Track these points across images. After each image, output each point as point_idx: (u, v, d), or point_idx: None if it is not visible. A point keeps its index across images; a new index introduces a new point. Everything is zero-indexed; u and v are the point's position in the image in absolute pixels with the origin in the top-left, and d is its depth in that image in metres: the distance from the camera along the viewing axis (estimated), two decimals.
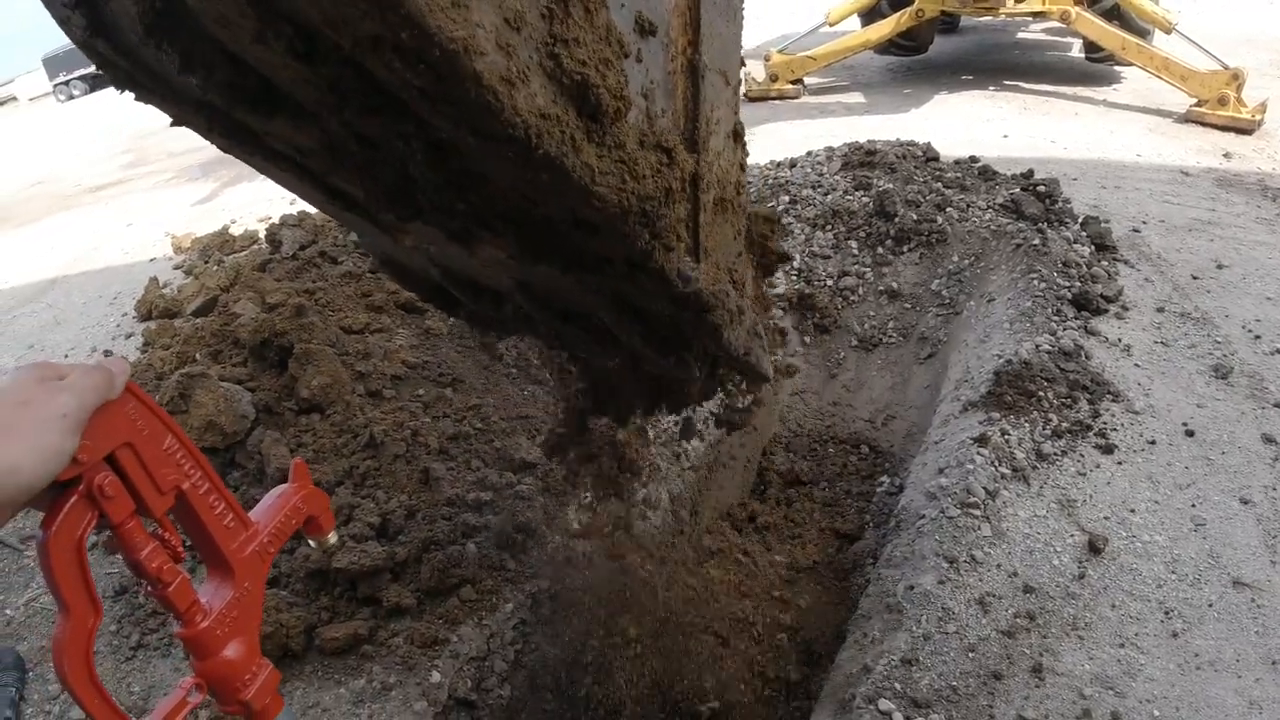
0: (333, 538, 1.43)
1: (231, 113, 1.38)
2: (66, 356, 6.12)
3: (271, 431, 3.48)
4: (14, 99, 44.41)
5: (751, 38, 14.15)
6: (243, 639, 1.23)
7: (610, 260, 1.60)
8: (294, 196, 6.58)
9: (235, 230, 8.04)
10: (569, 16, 1.12)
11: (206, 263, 7.10)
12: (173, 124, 1.63)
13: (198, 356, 4.16)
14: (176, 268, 7.46)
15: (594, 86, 1.17)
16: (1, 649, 3.10)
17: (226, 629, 1.21)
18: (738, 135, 1.87)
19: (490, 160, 1.21)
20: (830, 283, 5.15)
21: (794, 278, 5.14)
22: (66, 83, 36.31)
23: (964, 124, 8.29)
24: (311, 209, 7.31)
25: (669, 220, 1.51)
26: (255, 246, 7.13)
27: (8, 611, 3.44)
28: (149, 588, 1.13)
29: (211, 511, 1.19)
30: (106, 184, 13.04)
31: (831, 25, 10.08)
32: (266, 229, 6.55)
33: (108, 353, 5.92)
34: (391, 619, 2.83)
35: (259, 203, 9.29)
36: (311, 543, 1.43)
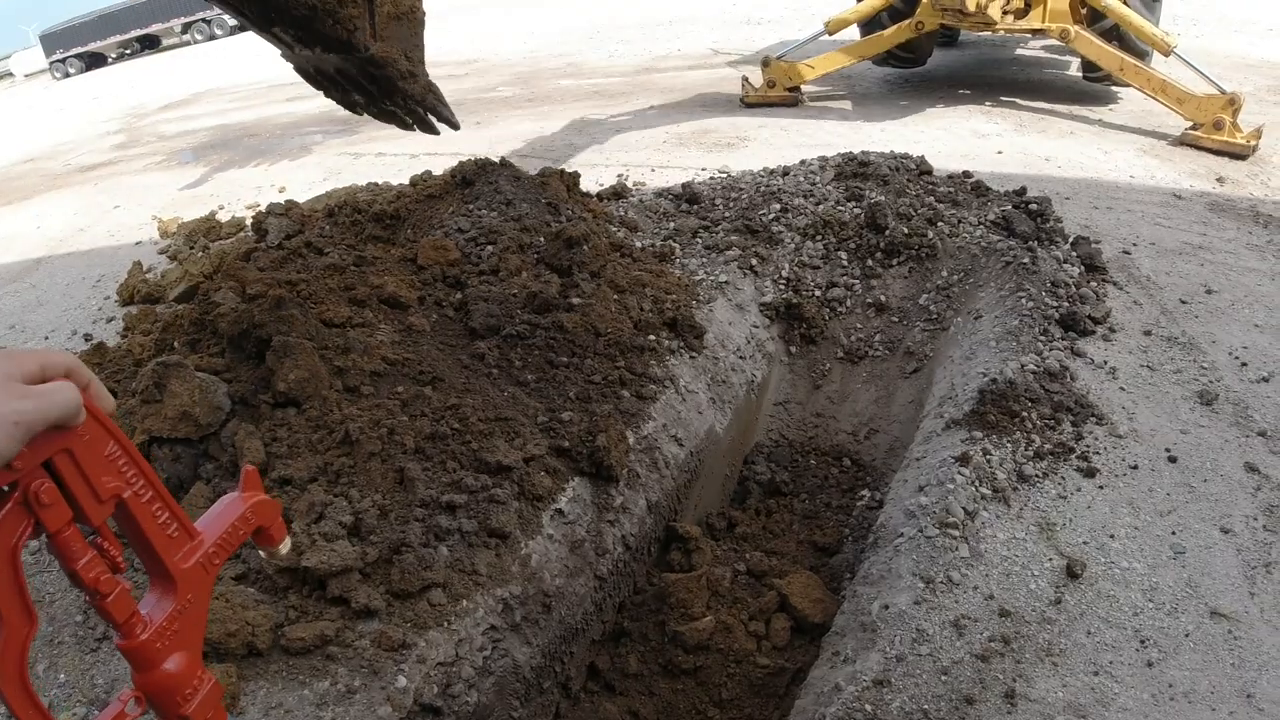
0: (284, 548, 1.38)
1: None
2: (47, 339, 6.06)
3: (246, 424, 3.42)
4: (9, 75, 44.11)
5: (751, 43, 14.14)
6: (185, 652, 1.19)
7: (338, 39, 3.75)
8: (283, 184, 7.02)
9: (222, 217, 8.00)
10: None
11: (192, 249, 7.06)
12: None
13: (176, 345, 4.10)
14: (161, 252, 7.41)
15: None
16: None
17: (167, 642, 1.16)
18: None
19: None
20: (818, 293, 5.12)
21: (782, 287, 5.11)
22: (63, 60, 36.11)
23: (959, 138, 8.29)
24: (300, 199, 7.27)
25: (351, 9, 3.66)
26: (241, 234, 7.09)
27: None
28: (87, 598, 1.09)
29: (154, 521, 1.15)
30: (97, 164, 12.96)
31: (831, 34, 10.05)
32: (253, 217, 6.49)
33: (88, 337, 5.86)
34: (359, 620, 2.78)
35: (248, 190, 9.23)
36: (262, 553, 1.38)
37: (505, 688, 2.90)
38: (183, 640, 1.18)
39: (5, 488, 0.97)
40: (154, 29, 36.96)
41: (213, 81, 21.12)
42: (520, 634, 2.99)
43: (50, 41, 36.66)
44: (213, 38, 35.02)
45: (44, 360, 1.03)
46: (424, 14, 4.28)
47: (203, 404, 3.44)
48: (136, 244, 8.02)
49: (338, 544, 2.90)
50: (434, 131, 4.64)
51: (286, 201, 6.54)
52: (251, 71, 20.31)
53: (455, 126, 4.58)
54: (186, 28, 36.55)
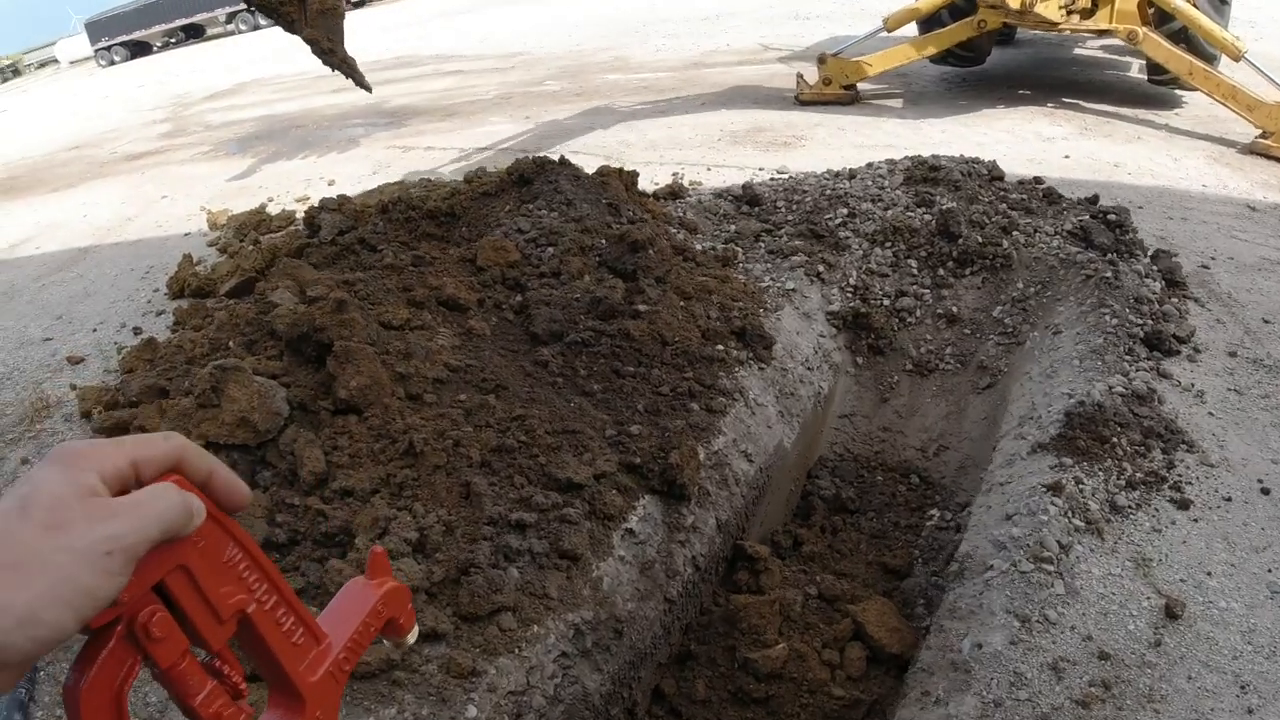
0: (411, 638, 1.18)
1: None
2: (95, 331, 6.00)
3: (305, 431, 3.32)
4: (55, 61, 44.62)
5: (800, 39, 13.94)
6: None
7: (285, 26, 5.98)
8: (333, 177, 7.36)
9: (272, 209, 7.93)
10: None
11: (242, 241, 6.98)
12: None
13: (231, 344, 4.02)
14: (211, 244, 7.35)
15: None
16: None
17: None
18: None
19: None
20: (887, 302, 4.94)
21: (849, 295, 4.94)
22: (108, 48, 36.42)
23: (1023, 141, 8.06)
24: (349, 192, 7.19)
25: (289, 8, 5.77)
26: (292, 228, 7.01)
27: None
28: None
29: (278, 629, 0.94)
30: (143, 153, 12.98)
31: (889, 32, 9.84)
32: (305, 211, 6.41)
33: (137, 330, 5.79)
34: (426, 644, 2.66)
35: (296, 183, 9.17)
36: (386, 643, 1.20)
37: (574, 716, 2.78)
38: None
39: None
40: (198, 18, 37.20)
41: (257, 71, 21.19)
42: (591, 660, 2.87)
43: (95, 29, 36.96)
44: (257, 28, 35.10)
45: (136, 454, 0.80)
46: (344, 9, 6.21)
47: (261, 410, 3.34)
48: (185, 235, 7.97)
49: (403, 562, 2.79)
50: (365, 89, 6.71)
51: (339, 196, 6.46)
52: (296, 62, 20.33)
53: (368, 89, 6.75)
54: (231, 17, 36.72)
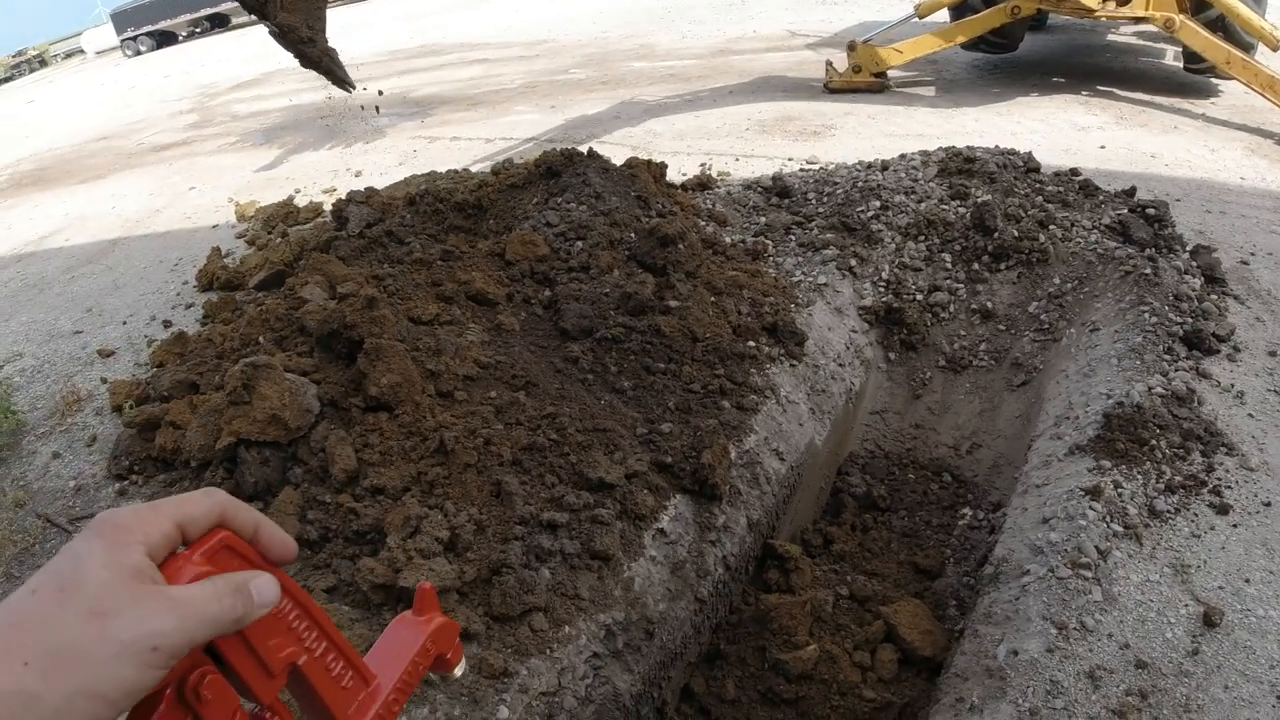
0: (459, 670, 1.17)
1: None
2: (125, 324, 6.03)
3: (337, 429, 3.32)
4: (81, 52, 44.91)
5: (828, 25, 13.79)
6: None
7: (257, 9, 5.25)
8: (360, 168, 7.34)
9: (299, 201, 7.94)
10: None
11: (270, 234, 7.00)
12: None
13: (261, 340, 4.01)
14: (239, 236, 7.38)
15: None
16: None
17: None
18: None
19: None
20: (920, 297, 4.87)
21: (882, 289, 4.88)
22: (134, 38, 36.63)
23: (1058, 131, 7.92)
24: (375, 183, 7.18)
25: None
26: (320, 220, 7.03)
27: None
28: None
29: (328, 675, 0.92)
30: (171, 144, 13.04)
31: (921, 18, 9.71)
32: (333, 204, 6.41)
33: (167, 323, 5.81)
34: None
35: (323, 174, 9.18)
36: (432, 674, 1.18)
37: (605, 716, 2.76)
38: None
39: None
40: (223, 8, 37.34)
41: (281, 61, 21.21)
42: (622, 661, 2.85)
43: (121, 19, 37.15)
44: None
45: (179, 516, 0.78)
46: None
47: (292, 407, 3.34)
48: (214, 227, 8.00)
49: (435, 561, 2.78)
50: (344, 88, 5.87)
51: (366, 189, 6.44)
52: None
53: (349, 88, 5.98)
54: None
